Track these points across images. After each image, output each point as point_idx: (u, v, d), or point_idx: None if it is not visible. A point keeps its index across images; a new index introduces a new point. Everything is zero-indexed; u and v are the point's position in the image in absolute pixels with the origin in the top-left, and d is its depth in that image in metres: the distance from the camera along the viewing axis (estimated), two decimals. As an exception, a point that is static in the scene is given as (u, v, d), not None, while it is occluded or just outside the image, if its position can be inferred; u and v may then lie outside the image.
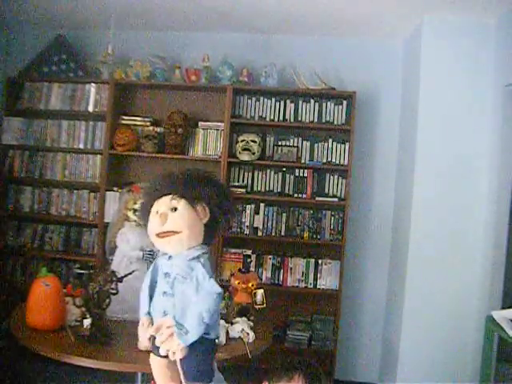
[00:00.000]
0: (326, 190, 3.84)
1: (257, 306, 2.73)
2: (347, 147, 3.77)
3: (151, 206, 1.50)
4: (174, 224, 1.43)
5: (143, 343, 1.54)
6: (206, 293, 1.42)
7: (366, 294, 3.97)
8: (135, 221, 2.62)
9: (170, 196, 1.46)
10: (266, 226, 3.84)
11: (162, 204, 1.46)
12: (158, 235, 1.46)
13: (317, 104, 3.82)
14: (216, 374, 1.61)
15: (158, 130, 3.92)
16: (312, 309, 3.92)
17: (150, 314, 1.53)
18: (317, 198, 3.78)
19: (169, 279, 1.45)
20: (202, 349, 1.46)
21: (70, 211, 4.00)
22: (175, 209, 1.44)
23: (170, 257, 1.49)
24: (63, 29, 4.08)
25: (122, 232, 2.69)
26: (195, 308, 1.41)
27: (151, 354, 1.57)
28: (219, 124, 3.86)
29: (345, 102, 3.80)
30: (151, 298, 1.53)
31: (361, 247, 3.96)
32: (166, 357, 1.49)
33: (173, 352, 1.41)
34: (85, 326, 2.26)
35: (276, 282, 3.82)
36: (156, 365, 1.56)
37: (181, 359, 1.46)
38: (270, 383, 1.68)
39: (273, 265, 3.82)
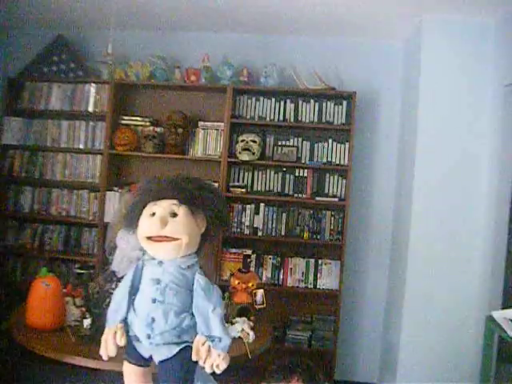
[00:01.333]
0: (326, 190, 3.84)
1: (257, 306, 2.73)
2: (347, 147, 3.77)
3: (144, 206, 1.45)
4: (174, 230, 1.38)
5: (111, 352, 1.46)
6: (217, 298, 1.42)
7: (366, 294, 3.97)
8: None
9: (171, 201, 1.41)
10: (266, 226, 3.83)
11: (161, 207, 1.40)
12: (151, 238, 1.41)
13: (317, 104, 3.82)
14: (206, 376, 1.59)
15: (158, 129, 3.92)
16: (312, 309, 3.91)
17: (125, 320, 1.47)
18: (317, 198, 3.78)
19: (159, 286, 1.40)
20: (183, 356, 1.43)
21: (70, 211, 4.00)
22: (174, 214, 1.41)
23: (160, 262, 1.44)
24: (63, 29, 4.07)
25: (122, 232, 2.69)
26: (215, 315, 1.39)
27: (125, 362, 1.52)
28: (219, 124, 3.86)
29: (345, 102, 3.80)
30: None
31: (361, 247, 3.96)
32: (141, 365, 1.48)
33: (217, 365, 1.38)
34: (85, 326, 2.27)
35: (276, 282, 3.82)
36: (131, 373, 1.51)
37: (161, 364, 1.44)
38: None
39: (273, 265, 3.82)
